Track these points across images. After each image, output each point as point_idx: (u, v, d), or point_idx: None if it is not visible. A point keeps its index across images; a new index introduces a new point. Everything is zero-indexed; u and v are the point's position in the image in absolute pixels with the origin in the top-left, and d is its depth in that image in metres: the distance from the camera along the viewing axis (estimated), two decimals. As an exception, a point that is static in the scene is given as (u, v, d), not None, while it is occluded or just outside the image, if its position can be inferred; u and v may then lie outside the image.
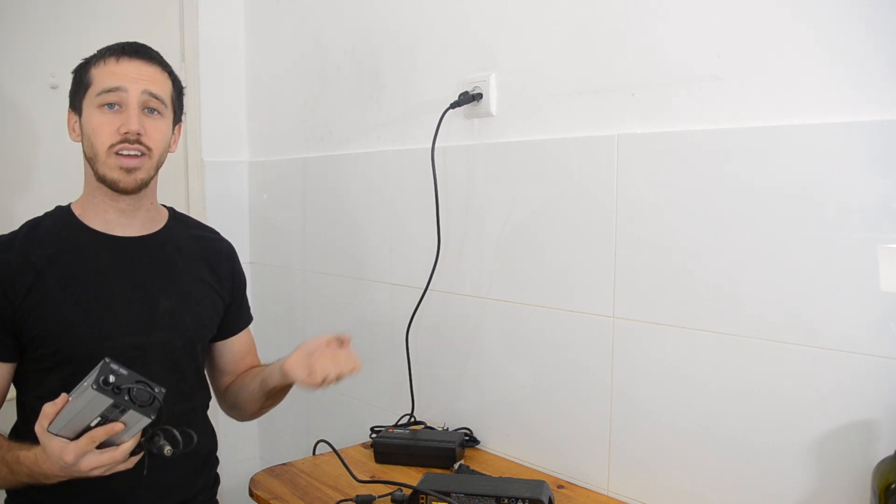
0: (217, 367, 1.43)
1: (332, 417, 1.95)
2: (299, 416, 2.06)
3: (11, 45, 1.92)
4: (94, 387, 0.94)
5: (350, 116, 1.82)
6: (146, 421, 1.00)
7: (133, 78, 1.18)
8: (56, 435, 0.99)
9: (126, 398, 0.96)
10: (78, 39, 1.93)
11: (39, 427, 1.00)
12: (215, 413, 1.40)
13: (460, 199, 1.50)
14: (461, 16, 1.50)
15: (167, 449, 1.03)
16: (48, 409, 0.99)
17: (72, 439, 0.99)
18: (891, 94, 0.93)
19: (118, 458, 1.01)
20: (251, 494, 1.31)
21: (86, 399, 0.95)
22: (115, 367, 0.96)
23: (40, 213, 1.27)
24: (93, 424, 0.98)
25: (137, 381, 0.98)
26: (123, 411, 0.98)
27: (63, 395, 0.99)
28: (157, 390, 0.99)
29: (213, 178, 2.18)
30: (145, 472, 1.06)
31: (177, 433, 1.04)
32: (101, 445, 1.00)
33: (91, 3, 2.02)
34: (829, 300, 0.98)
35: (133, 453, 1.04)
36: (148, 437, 1.04)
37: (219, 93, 2.19)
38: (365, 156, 1.77)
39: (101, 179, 1.19)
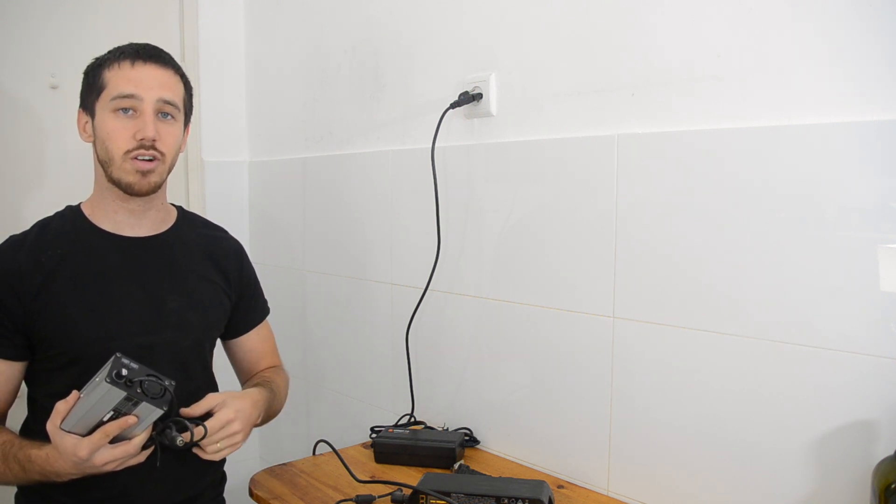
0: (240, 368, 1.46)
1: (332, 417, 1.95)
2: (299, 416, 2.06)
3: (11, 45, 1.92)
4: (108, 380, 0.96)
5: (350, 116, 1.82)
6: (158, 413, 1.02)
7: (148, 85, 1.18)
8: (69, 432, 1.01)
9: (139, 391, 0.99)
10: (78, 39, 1.94)
11: (52, 425, 1.02)
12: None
13: (460, 199, 1.50)
14: (461, 16, 1.50)
15: (179, 440, 1.07)
16: (61, 406, 1.02)
17: (84, 436, 1.01)
18: (891, 94, 0.93)
19: (131, 451, 1.03)
20: (251, 494, 1.31)
21: (99, 393, 0.97)
22: (126, 360, 0.99)
23: (44, 214, 1.27)
24: (105, 419, 1.01)
25: (148, 375, 1.00)
26: (136, 404, 1.00)
27: (74, 392, 1.01)
28: (167, 383, 1.02)
29: (213, 178, 2.18)
30: (158, 464, 1.08)
31: (188, 424, 1.07)
32: (114, 440, 1.02)
33: (91, 4, 2.02)
34: (829, 300, 0.98)
35: (144, 447, 1.06)
36: (159, 430, 1.07)
37: (219, 93, 2.19)
38: (365, 156, 1.77)
39: (115, 182, 1.20)
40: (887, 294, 0.93)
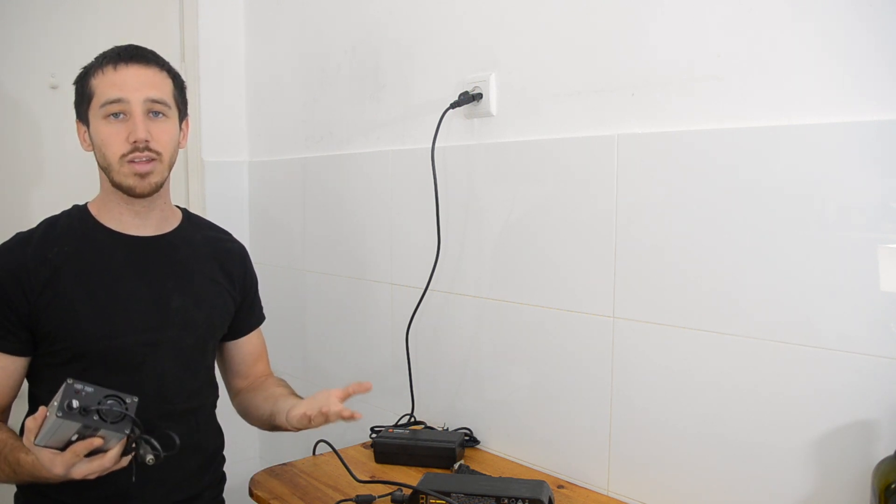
0: (229, 369, 1.45)
1: (332, 417, 1.95)
2: (299, 416, 2.05)
3: (11, 45, 1.92)
4: (60, 414, 0.93)
5: (350, 116, 1.82)
6: (120, 436, 0.99)
7: (133, 86, 1.18)
8: (45, 447, 0.99)
9: (95, 418, 0.95)
10: (78, 39, 1.94)
11: (26, 440, 1.01)
12: (218, 412, 1.40)
13: (460, 199, 1.50)
14: (461, 16, 1.50)
15: (149, 458, 1.02)
16: (30, 423, 1.00)
17: (61, 449, 0.99)
18: (891, 94, 0.93)
19: (106, 464, 1.02)
20: (251, 494, 1.31)
21: (56, 424, 0.95)
22: (79, 386, 0.95)
23: (44, 214, 1.28)
24: (73, 439, 0.98)
25: (106, 397, 0.97)
26: (97, 429, 0.97)
27: (42, 409, 0.99)
28: (128, 401, 0.98)
29: (213, 178, 2.18)
30: (133, 479, 1.05)
31: (154, 441, 1.03)
32: (92, 452, 1.00)
33: (91, 4, 2.02)
34: (829, 300, 0.98)
35: (127, 452, 1.04)
36: (134, 440, 1.03)
37: (219, 93, 2.19)
38: (365, 156, 1.77)
39: (117, 187, 1.21)
40: (887, 294, 0.93)
